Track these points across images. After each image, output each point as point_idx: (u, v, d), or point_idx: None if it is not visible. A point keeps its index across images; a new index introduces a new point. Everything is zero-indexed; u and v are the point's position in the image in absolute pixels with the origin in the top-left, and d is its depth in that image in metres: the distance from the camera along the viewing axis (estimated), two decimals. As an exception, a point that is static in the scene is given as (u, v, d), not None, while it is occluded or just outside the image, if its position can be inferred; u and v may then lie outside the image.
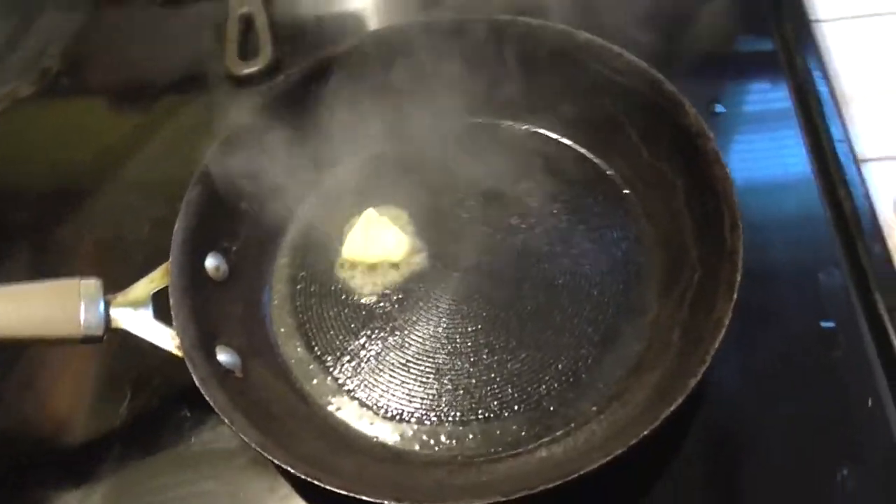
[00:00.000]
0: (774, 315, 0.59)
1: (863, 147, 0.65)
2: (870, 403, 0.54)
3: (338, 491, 0.47)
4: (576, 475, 0.45)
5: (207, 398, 0.50)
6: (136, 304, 0.55)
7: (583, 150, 0.65)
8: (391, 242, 0.62)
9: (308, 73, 0.64)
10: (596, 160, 0.65)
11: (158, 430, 0.58)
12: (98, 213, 0.70)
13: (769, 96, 0.70)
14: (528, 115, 0.67)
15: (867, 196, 0.62)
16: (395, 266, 0.62)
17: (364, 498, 0.46)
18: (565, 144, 0.66)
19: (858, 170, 0.63)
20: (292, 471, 0.47)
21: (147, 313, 0.55)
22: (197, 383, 0.51)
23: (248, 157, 0.61)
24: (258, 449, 0.48)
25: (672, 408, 0.47)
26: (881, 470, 0.52)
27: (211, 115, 0.75)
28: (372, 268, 0.62)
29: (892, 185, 0.66)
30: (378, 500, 0.46)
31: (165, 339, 0.54)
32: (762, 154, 0.67)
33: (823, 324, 0.58)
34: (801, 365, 0.57)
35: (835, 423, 0.54)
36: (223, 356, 0.55)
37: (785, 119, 0.67)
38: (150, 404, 0.60)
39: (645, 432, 0.46)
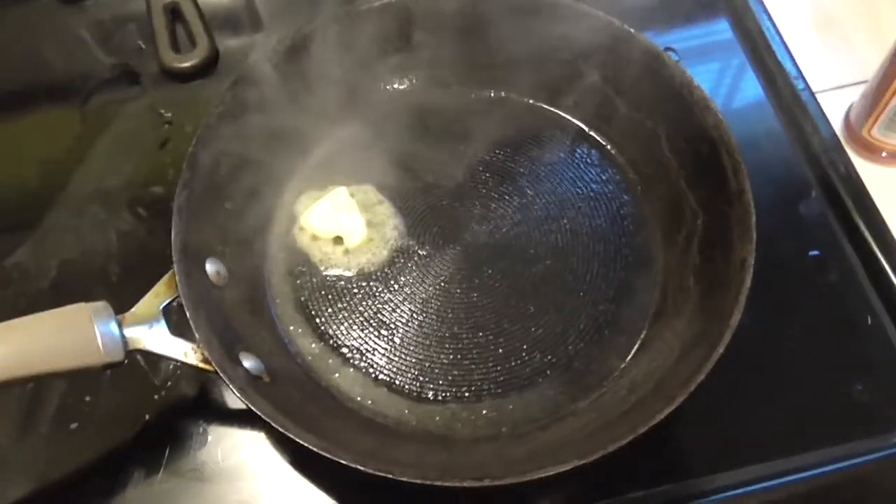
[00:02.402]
0: (765, 250, 0.61)
1: (813, 80, 0.69)
2: (869, 321, 0.58)
3: (410, 481, 0.46)
4: (646, 427, 0.46)
5: (252, 407, 0.48)
6: (148, 321, 0.51)
7: (559, 112, 0.66)
8: (348, 226, 0.61)
9: (281, 54, 0.61)
10: (573, 120, 0.65)
11: (178, 449, 0.55)
12: (57, 233, 0.64)
13: (717, 38, 0.72)
14: (501, 83, 0.66)
15: (830, 128, 0.65)
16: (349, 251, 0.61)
17: (439, 483, 0.46)
18: (541, 108, 0.66)
19: (817, 103, 0.66)
20: (361, 468, 0.46)
21: (162, 329, 0.51)
22: (237, 394, 0.48)
23: (226, 153, 0.59)
24: (319, 451, 0.47)
25: (719, 351, 0.48)
26: (890, 380, 0.56)
27: (153, 114, 0.71)
28: (359, 247, 0.61)
29: (842, 113, 0.70)
30: (452, 483, 0.46)
31: (187, 353, 0.51)
32: (722, 99, 0.69)
33: (811, 253, 0.61)
34: (798, 294, 0.60)
35: (841, 343, 0.58)
36: (247, 362, 0.53)
37: (734, 56, 0.70)
38: (163, 426, 0.57)
39: (700, 377, 0.48)
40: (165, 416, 0.57)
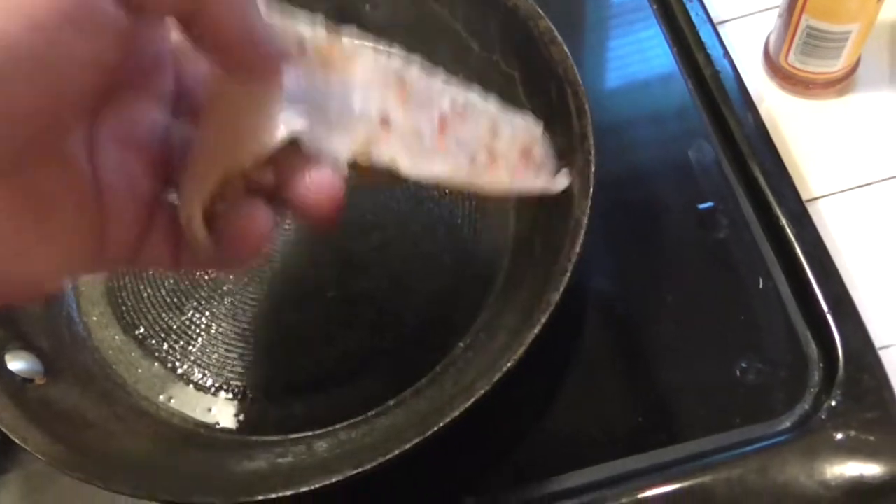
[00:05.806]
0: (650, 208, 0.53)
1: (716, 8, 0.59)
2: (760, 284, 0.49)
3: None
4: (436, 427, 0.39)
5: (-9, 416, 0.41)
6: None
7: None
8: None
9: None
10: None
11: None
12: None
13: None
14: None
15: (729, 59, 0.55)
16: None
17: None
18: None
19: (715, 31, 0.57)
20: (101, 487, 0.39)
21: None
22: (-27, 401, 0.42)
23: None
24: (56, 467, 0.40)
25: (536, 331, 0.40)
26: (780, 356, 0.47)
27: None
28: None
29: (758, 46, 0.60)
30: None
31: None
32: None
33: (701, 206, 0.52)
34: (684, 254, 0.51)
35: (729, 311, 0.49)
36: (16, 364, 0.46)
37: None
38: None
39: (508, 365, 0.39)
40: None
